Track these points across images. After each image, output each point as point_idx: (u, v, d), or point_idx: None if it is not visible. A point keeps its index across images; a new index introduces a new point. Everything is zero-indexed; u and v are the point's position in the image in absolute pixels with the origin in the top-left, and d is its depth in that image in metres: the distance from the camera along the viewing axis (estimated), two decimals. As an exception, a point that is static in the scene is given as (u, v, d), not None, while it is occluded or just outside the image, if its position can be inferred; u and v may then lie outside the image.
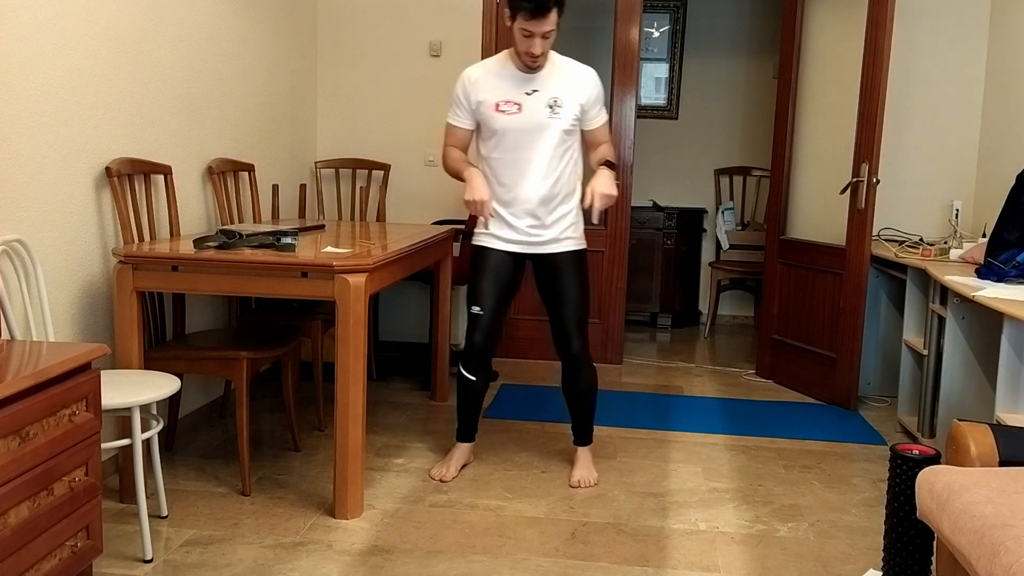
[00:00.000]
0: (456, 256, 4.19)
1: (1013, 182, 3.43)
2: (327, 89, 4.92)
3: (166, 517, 2.77)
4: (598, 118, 3.06)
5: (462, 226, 4.21)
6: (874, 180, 3.96)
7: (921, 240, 4.23)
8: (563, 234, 3.08)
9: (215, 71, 3.71)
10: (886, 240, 4.28)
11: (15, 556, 1.87)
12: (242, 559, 2.51)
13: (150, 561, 2.48)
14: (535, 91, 2.96)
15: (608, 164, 2.96)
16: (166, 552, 2.54)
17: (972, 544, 1.72)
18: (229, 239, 2.87)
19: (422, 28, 4.81)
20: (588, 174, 2.99)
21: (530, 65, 2.92)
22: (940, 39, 4.44)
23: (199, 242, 2.88)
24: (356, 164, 4.79)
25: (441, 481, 3.12)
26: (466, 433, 3.25)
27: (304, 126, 4.77)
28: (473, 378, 3.13)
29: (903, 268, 3.92)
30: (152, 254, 2.77)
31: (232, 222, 3.74)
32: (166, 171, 3.27)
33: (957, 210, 4.39)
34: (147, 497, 2.55)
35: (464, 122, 3.07)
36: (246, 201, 3.99)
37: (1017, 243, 3.25)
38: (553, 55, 3.01)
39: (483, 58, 4.79)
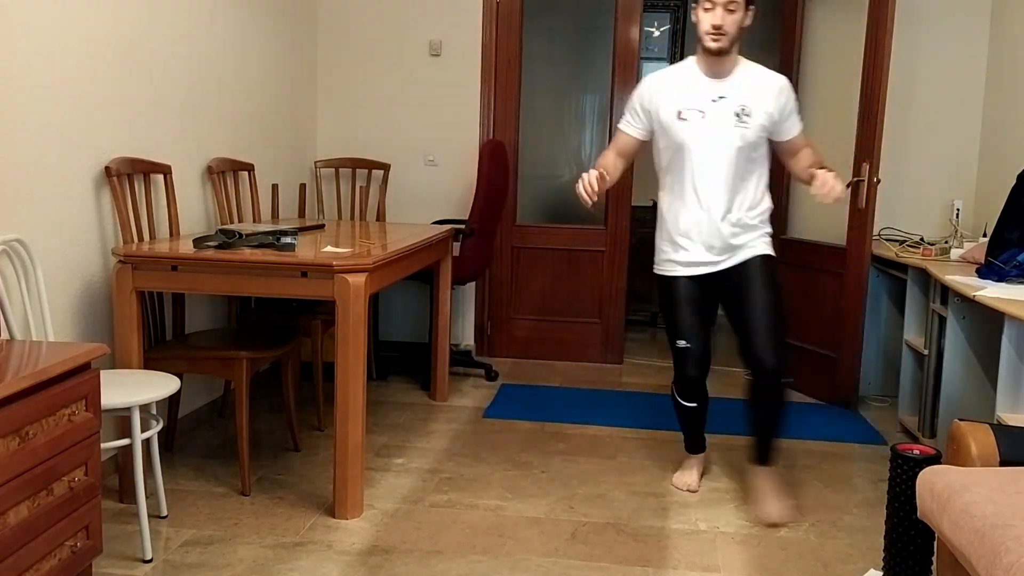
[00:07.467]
0: (456, 256, 4.18)
1: (1014, 182, 3.43)
2: (327, 89, 4.92)
3: (166, 517, 2.77)
4: (793, 129, 2.87)
5: (462, 226, 4.21)
6: (875, 179, 3.95)
7: (922, 240, 4.23)
8: (750, 243, 2.89)
9: (215, 71, 3.71)
10: (887, 240, 4.27)
11: (15, 556, 1.87)
12: (242, 559, 2.51)
13: (150, 561, 2.48)
14: (722, 98, 2.79)
15: (824, 167, 2.72)
16: (166, 552, 2.54)
17: (973, 544, 1.71)
18: (229, 239, 2.87)
19: (422, 28, 4.81)
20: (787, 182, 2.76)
21: (712, 47, 2.71)
22: (941, 38, 4.44)
23: (199, 242, 2.88)
24: (356, 164, 4.79)
25: (689, 491, 3.11)
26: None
27: (304, 126, 4.77)
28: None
29: (904, 268, 3.91)
30: (152, 254, 2.77)
31: (232, 222, 3.74)
32: (166, 171, 3.27)
33: (958, 209, 4.39)
34: (147, 497, 2.55)
35: (635, 130, 2.93)
36: (246, 201, 3.98)
37: (1018, 243, 3.25)
38: (745, 60, 2.85)
39: (483, 58, 4.81)
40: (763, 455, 2.99)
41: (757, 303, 2.82)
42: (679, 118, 2.81)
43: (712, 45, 2.72)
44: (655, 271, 3.02)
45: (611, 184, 2.87)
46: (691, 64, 2.87)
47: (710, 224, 2.85)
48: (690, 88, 2.83)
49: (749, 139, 2.78)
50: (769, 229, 2.94)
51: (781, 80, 2.84)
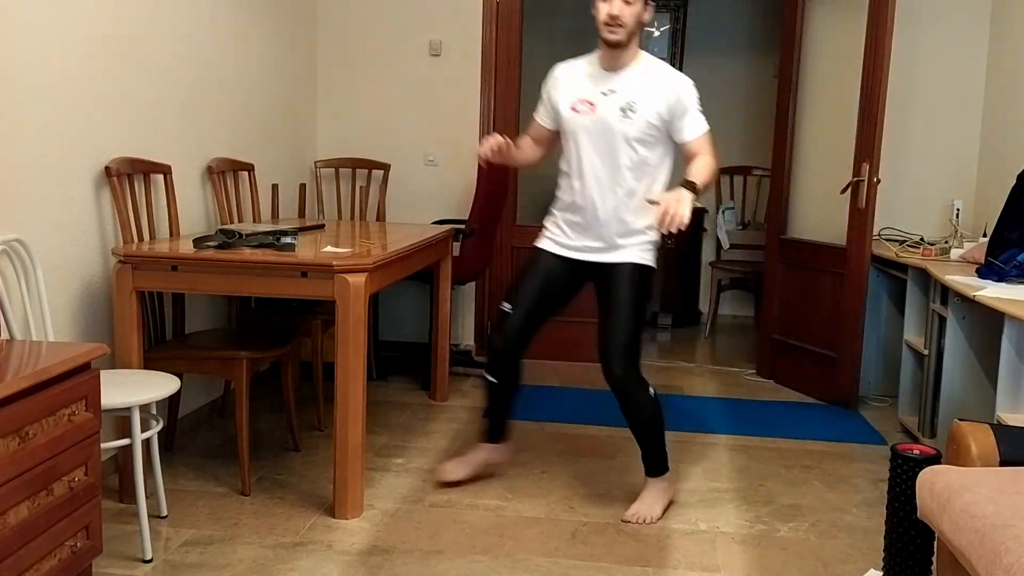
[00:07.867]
0: (456, 256, 4.18)
1: (1014, 182, 3.43)
2: (327, 89, 4.92)
3: (166, 517, 2.77)
4: (686, 131, 2.76)
5: (462, 226, 4.20)
6: (875, 179, 3.95)
7: (922, 240, 4.22)
8: (628, 243, 2.84)
9: (215, 71, 3.71)
10: (887, 240, 4.27)
11: (15, 556, 1.87)
12: (242, 559, 2.51)
13: (150, 561, 2.48)
14: (612, 91, 2.77)
15: (687, 184, 2.60)
16: (166, 552, 2.54)
17: (973, 544, 1.71)
18: (229, 239, 2.87)
19: (422, 28, 4.81)
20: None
21: (609, 38, 2.69)
22: (941, 38, 4.43)
23: (199, 242, 2.88)
24: (356, 164, 4.78)
25: (443, 483, 3.06)
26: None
27: (304, 126, 4.76)
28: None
29: (904, 268, 3.91)
30: (152, 254, 2.77)
31: (232, 222, 3.74)
32: (166, 171, 3.27)
33: (958, 209, 4.39)
34: (147, 497, 2.55)
35: (542, 119, 2.95)
36: (246, 201, 3.98)
37: (1018, 243, 3.25)
38: (646, 57, 2.81)
39: (483, 57, 4.80)
40: (645, 465, 2.96)
41: (616, 313, 2.79)
42: (572, 109, 2.82)
43: (609, 36, 2.70)
44: (534, 244, 3.01)
45: (518, 162, 3.02)
46: (593, 56, 2.87)
47: (593, 216, 2.83)
48: (586, 80, 2.83)
49: (633, 136, 2.74)
50: (653, 237, 2.84)
51: (679, 80, 2.77)
